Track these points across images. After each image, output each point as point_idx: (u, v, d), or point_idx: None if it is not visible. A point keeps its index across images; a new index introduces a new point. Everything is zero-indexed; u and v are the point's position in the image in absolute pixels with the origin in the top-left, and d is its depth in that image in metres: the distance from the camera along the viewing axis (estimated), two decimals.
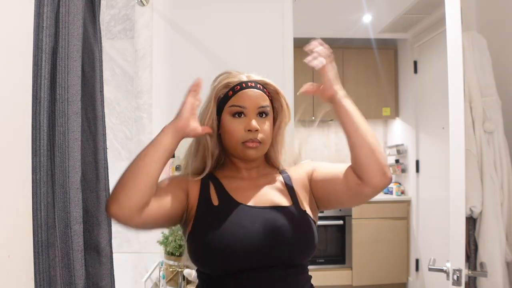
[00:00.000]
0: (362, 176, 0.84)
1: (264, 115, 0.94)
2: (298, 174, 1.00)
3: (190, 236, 0.90)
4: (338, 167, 0.93)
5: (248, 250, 0.84)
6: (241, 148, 0.92)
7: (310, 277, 0.95)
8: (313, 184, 0.97)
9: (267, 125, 0.94)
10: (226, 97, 0.94)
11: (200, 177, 0.96)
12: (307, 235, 0.89)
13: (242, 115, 0.92)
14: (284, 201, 0.92)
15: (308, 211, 0.94)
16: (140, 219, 0.83)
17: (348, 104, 0.91)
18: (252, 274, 0.84)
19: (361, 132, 0.86)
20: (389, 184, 0.85)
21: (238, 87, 0.94)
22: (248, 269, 0.84)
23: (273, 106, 0.99)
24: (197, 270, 0.94)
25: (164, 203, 0.88)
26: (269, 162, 1.04)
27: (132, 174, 0.88)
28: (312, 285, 0.95)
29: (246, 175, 0.98)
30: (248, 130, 0.90)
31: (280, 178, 0.99)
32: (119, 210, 0.82)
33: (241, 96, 0.93)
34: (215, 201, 0.92)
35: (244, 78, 0.95)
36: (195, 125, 0.91)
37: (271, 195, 0.94)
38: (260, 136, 0.91)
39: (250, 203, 0.91)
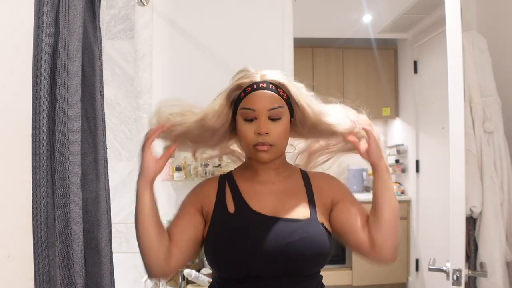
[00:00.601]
0: (375, 247, 0.88)
1: (276, 119, 0.91)
2: (323, 184, 0.98)
3: (206, 239, 0.92)
4: (359, 221, 0.92)
5: (261, 261, 0.84)
6: (253, 151, 0.91)
7: (322, 277, 0.95)
8: (332, 215, 0.94)
9: (280, 126, 0.91)
10: (239, 99, 0.93)
11: (217, 176, 0.99)
12: (321, 249, 0.87)
13: (254, 119, 0.90)
14: (303, 213, 0.90)
15: (326, 224, 0.92)
16: (174, 268, 0.91)
17: (388, 179, 0.92)
18: (264, 282, 0.85)
19: (391, 211, 0.88)
20: (392, 262, 0.90)
21: (249, 88, 0.91)
22: (261, 277, 0.85)
23: (292, 105, 0.95)
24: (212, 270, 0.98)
25: (184, 245, 0.92)
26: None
27: (140, 244, 0.96)
28: (323, 284, 0.95)
29: (264, 178, 0.96)
30: (258, 134, 0.89)
31: (301, 182, 0.97)
32: (155, 274, 0.93)
33: (251, 98, 0.91)
34: (231, 208, 0.91)
35: (257, 79, 0.92)
36: (161, 164, 1.00)
37: (289, 204, 0.91)
38: (271, 139, 0.89)
39: (267, 213, 0.90)
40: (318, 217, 0.90)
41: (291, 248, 0.84)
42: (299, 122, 0.96)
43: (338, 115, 0.99)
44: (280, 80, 0.93)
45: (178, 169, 1.99)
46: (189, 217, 0.94)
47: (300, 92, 0.96)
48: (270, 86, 0.92)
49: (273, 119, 0.90)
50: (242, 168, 1.01)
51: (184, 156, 2.06)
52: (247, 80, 0.92)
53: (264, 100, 0.90)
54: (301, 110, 0.94)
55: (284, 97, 0.93)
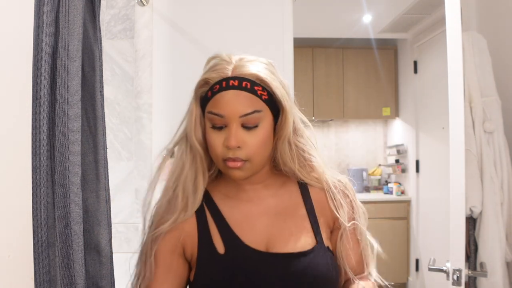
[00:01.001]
0: None
1: (251, 125, 0.70)
2: (325, 198, 0.79)
3: (193, 284, 0.76)
4: (351, 263, 0.78)
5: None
6: (223, 167, 0.73)
7: None
8: (331, 238, 0.80)
9: (256, 136, 0.70)
10: (206, 99, 0.73)
11: (193, 211, 0.76)
12: (332, 281, 0.73)
13: (224, 126, 0.71)
14: (306, 241, 0.73)
15: (330, 246, 0.77)
16: None
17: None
18: None
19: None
20: None
21: (217, 86, 0.70)
22: None
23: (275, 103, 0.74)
24: None
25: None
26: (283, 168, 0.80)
27: None
28: None
29: (250, 194, 0.78)
30: (227, 147, 0.70)
31: (297, 194, 0.78)
32: None
33: (219, 101, 0.70)
34: (219, 247, 0.72)
35: (228, 72, 0.71)
36: None
37: (287, 229, 0.74)
38: (244, 153, 0.70)
39: (263, 245, 0.72)
40: (324, 242, 0.75)
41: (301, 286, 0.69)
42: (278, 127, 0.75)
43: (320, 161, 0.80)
44: (259, 75, 0.70)
45: None
46: (169, 270, 0.76)
47: (287, 92, 0.75)
48: (244, 83, 0.69)
49: (247, 127, 0.70)
50: (221, 182, 0.80)
51: None
52: (214, 75, 0.71)
53: (235, 103, 0.69)
54: (282, 110, 0.74)
55: (263, 96, 0.71)
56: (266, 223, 0.74)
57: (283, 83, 0.75)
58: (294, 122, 0.76)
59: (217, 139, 0.71)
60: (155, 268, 0.76)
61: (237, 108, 0.69)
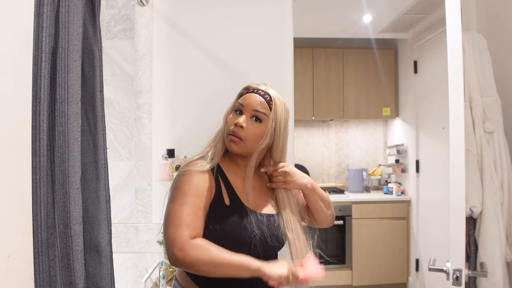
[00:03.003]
0: (316, 224, 1.21)
1: (257, 119, 1.04)
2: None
3: (205, 226, 1.00)
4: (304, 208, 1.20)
5: (244, 248, 0.98)
6: (227, 139, 1.05)
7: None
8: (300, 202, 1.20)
9: (256, 127, 1.04)
10: (240, 95, 1.10)
11: (209, 168, 1.05)
12: (282, 238, 1.07)
13: (239, 113, 1.05)
14: (272, 209, 1.11)
15: (290, 216, 1.10)
16: None
17: (314, 193, 1.14)
18: None
19: (323, 213, 1.17)
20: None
21: (251, 90, 1.08)
22: None
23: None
24: None
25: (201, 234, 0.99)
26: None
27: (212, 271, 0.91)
28: None
29: (244, 173, 1.09)
30: (235, 124, 1.03)
31: (267, 182, 1.16)
32: (182, 267, 0.90)
33: (245, 97, 1.06)
34: (226, 200, 1.03)
35: (261, 87, 1.08)
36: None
37: (265, 201, 1.11)
38: (242, 133, 1.02)
39: (253, 208, 1.06)
40: (281, 211, 1.11)
41: (274, 236, 1.04)
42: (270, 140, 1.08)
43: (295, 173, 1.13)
44: (274, 96, 1.07)
45: (178, 168, 1.99)
46: (201, 212, 0.99)
47: (283, 118, 1.08)
48: (266, 96, 1.06)
49: (255, 119, 1.04)
50: (227, 161, 1.11)
51: (184, 156, 2.07)
52: (253, 86, 1.09)
53: (253, 101, 1.05)
54: (275, 131, 1.06)
55: (271, 109, 1.06)
56: (254, 195, 1.09)
57: (285, 115, 1.10)
58: (280, 143, 1.09)
59: (232, 118, 1.05)
60: (195, 209, 0.97)
61: (254, 104, 1.04)
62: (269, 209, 1.10)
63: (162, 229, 0.97)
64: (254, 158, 1.07)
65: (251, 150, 1.05)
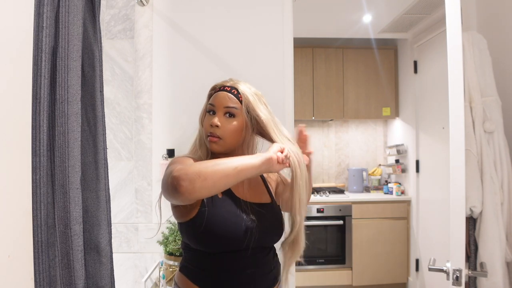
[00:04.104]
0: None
1: (230, 115, 1.07)
2: (271, 175, 1.23)
3: (194, 219, 1.00)
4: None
5: (241, 237, 1.00)
6: (207, 141, 1.08)
7: (274, 248, 1.16)
8: (277, 192, 1.22)
9: (231, 123, 1.06)
10: (210, 96, 1.14)
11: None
12: (281, 227, 1.12)
13: (211, 113, 1.08)
14: (267, 198, 1.14)
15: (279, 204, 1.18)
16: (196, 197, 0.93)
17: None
18: (239, 253, 1.02)
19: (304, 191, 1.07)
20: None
21: (218, 89, 1.11)
22: (238, 250, 1.01)
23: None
24: (185, 247, 1.08)
25: None
26: None
27: (222, 180, 0.92)
28: (276, 254, 1.16)
29: None
30: (210, 125, 1.06)
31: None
32: (190, 194, 0.88)
33: (215, 97, 1.10)
34: (219, 194, 1.04)
35: (227, 83, 1.11)
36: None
37: (257, 191, 1.14)
38: (219, 132, 1.05)
39: (245, 198, 1.08)
40: (276, 201, 1.17)
41: (262, 226, 1.04)
42: (258, 125, 1.09)
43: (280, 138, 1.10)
44: (241, 88, 1.09)
45: None
46: None
47: (256, 104, 1.08)
48: (233, 90, 1.09)
49: (229, 115, 1.06)
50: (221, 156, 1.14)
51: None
52: (219, 83, 1.14)
53: (223, 99, 1.08)
54: (255, 116, 1.08)
55: (240, 101, 1.08)
56: (246, 187, 1.11)
57: (257, 101, 1.10)
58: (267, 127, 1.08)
59: (207, 120, 1.09)
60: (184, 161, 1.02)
61: (224, 101, 1.07)
62: (264, 198, 1.14)
63: (162, 186, 0.96)
64: (241, 152, 1.11)
65: (233, 146, 1.08)
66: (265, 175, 1.22)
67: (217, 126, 1.05)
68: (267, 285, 1.07)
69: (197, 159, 1.08)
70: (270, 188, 1.20)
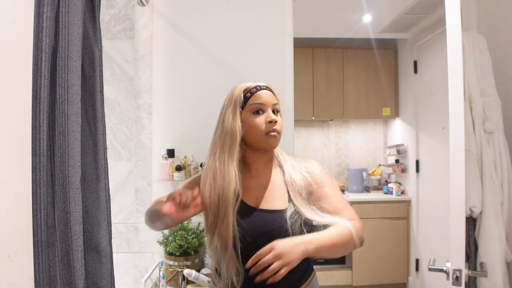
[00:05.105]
0: None
1: (276, 112, 1.11)
2: (298, 174, 1.13)
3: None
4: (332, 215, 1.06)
5: (249, 242, 1.01)
6: (265, 139, 1.07)
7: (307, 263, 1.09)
8: (310, 198, 1.10)
9: (280, 119, 1.11)
10: (246, 98, 1.10)
11: None
12: (283, 230, 1.04)
13: (261, 112, 1.08)
14: (281, 204, 1.08)
15: (301, 207, 1.07)
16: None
17: (323, 248, 0.97)
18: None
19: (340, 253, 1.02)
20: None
21: (254, 89, 1.11)
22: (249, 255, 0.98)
23: None
24: None
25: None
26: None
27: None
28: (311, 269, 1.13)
29: (254, 173, 1.13)
30: (269, 122, 1.07)
31: (280, 175, 1.14)
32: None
33: (259, 95, 1.10)
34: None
35: (260, 84, 1.13)
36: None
37: (272, 197, 1.10)
38: (278, 127, 1.09)
39: (255, 204, 1.08)
40: (294, 204, 1.07)
41: (271, 233, 1.01)
42: None
43: None
44: (271, 87, 1.14)
45: (178, 168, 1.99)
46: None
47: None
48: (270, 89, 1.13)
49: (275, 112, 1.10)
50: (238, 164, 1.13)
51: (184, 156, 2.07)
52: (249, 84, 1.13)
53: (269, 96, 1.10)
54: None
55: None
56: (260, 193, 1.10)
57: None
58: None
59: (260, 120, 1.08)
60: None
61: (270, 99, 1.10)
62: (278, 205, 1.08)
63: None
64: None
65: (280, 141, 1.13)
66: (288, 178, 1.12)
67: (276, 121, 1.08)
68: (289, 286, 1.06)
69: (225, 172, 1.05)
70: (290, 192, 1.10)
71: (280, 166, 1.16)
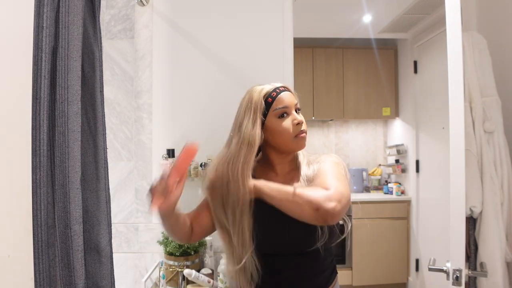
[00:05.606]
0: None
1: (298, 111, 1.09)
2: (310, 170, 1.11)
3: None
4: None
5: (273, 243, 1.03)
6: (294, 141, 1.06)
7: (318, 249, 1.04)
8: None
9: (303, 118, 1.09)
10: (268, 104, 1.07)
11: None
12: (310, 233, 1.02)
13: (285, 115, 1.06)
14: None
15: None
16: (195, 239, 1.10)
17: (262, 193, 0.99)
18: (277, 257, 1.05)
19: (282, 204, 0.97)
20: (333, 214, 0.90)
21: (274, 93, 1.08)
22: (275, 254, 1.05)
23: None
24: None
25: (204, 224, 1.10)
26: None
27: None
28: (327, 256, 1.09)
29: (279, 171, 1.12)
30: (297, 124, 1.05)
31: (300, 175, 1.11)
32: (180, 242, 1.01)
33: (281, 99, 1.07)
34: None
35: (277, 84, 1.10)
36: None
37: None
38: (304, 127, 1.07)
39: None
40: None
41: (292, 233, 1.02)
42: None
43: None
44: (286, 85, 1.12)
45: None
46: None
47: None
48: (287, 88, 1.11)
49: (297, 111, 1.09)
50: (261, 165, 1.14)
51: None
52: (268, 88, 1.09)
53: (290, 97, 1.08)
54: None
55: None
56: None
57: None
58: None
59: (287, 123, 1.06)
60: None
61: (292, 100, 1.08)
62: None
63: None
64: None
65: None
66: (303, 175, 1.11)
67: (302, 122, 1.07)
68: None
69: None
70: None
71: (299, 164, 1.15)
